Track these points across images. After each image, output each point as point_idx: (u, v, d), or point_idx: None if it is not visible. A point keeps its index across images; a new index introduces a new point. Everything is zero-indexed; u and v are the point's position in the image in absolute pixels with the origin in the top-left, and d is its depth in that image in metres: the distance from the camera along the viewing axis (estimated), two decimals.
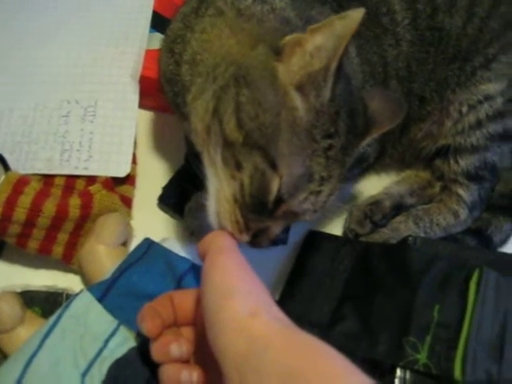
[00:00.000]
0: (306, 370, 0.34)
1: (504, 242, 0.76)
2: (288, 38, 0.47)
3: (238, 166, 0.48)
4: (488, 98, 0.70)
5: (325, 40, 0.45)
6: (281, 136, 0.47)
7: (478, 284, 0.61)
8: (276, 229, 0.52)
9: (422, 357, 0.57)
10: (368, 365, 0.60)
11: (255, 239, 0.51)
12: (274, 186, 0.47)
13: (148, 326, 0.48)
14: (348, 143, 0.50)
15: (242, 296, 0.40)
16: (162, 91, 0.66)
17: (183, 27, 0.58)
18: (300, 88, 0.47)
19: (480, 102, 0.70)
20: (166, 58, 0.61)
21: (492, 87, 0.70)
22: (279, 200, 0.48)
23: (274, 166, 0.47)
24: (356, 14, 0.44)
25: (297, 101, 0.47)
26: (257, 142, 0.47)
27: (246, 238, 0.50)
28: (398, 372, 0.58)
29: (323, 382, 0.34)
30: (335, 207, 0.53)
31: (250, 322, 0.38)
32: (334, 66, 0.45)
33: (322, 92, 0.46)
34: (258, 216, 0.49)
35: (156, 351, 0.48)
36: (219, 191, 0.50)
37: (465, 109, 0.71)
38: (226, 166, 0.49)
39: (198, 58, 0.54)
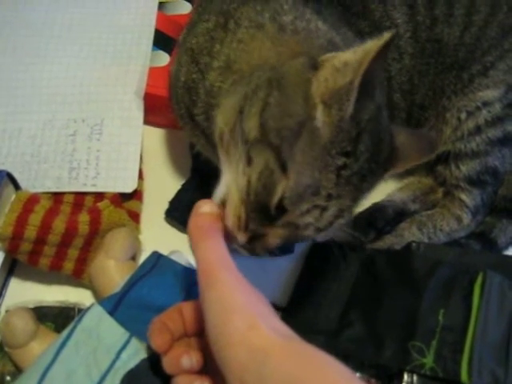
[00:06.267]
0: (304, 379, 0.35)
1: (508, 244, 0.76)
2: (328, 54, 0.48)
3: (249, 162, 0.48)
4: (486, 104, 0.71)
5: (352, 55, 0.46)
6: (298, 143, 0.47)
7: (482, 287, 0.61)
8: (273, 239, 0.50)
9: (429, 361, 0.58)
10: (376, 369, 0.61)
11: (251, 244, 0.51)
12: (280, 187, 0.47)
13: (157, 342, 0.48)
14: (368, 170, 0.49)
15: (240, 310, 0.40)
16: (170, 106, 0.67)
17: (209, 40, 0.60)
18: (325, 102, 0.47)
19: (478, 109, 0.71)
20: (189, 68, 0.62)
21: (490, 94, 0.71)
22: (282, 207, 0.48)
23: (283, 168, 0.47)
24: (387, 34, 0.44)
25: (320, 114, 0.47)
26: (272, 142, 0.47)
27: (242, 237, 0.50)
28: (405, 376, 0.58)
29: None
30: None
31: (249, 334, 0.39)
32: (357, 81, 0.45)
33: (343, 107, 0.46)
34: (260, 218, 0.49)
35: (167, 364, 0.48)
36: (230, 186, 0.50)
37: (463, 115, 0.71)
38: (239, 162, 0.49)
39: (236, 67, 0.55)
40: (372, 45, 0.44)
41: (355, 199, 0.50)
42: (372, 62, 0.44)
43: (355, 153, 0.48)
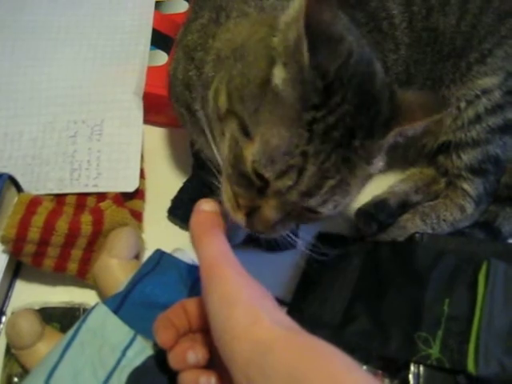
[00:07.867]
0: (308, 370, 0.35)
1: None
2: (286, 16, 0.47)
3: (224, 138, 0.49)
4: (485, 92, 0.70)
5: (297, 5, 0.45)
6: (262, 106, 0.46)
7: (487, 276, 0.61)
8: (269, 211, 0.49)
9: (435, 351, 0.58)
10: (383, 361, 0.61)
11: (249, 220, 0.50)
12: (247, 153, 0.47)
13: (162, 338, 0.49)
14: (356, 124, 0.46)
15: (243, 304, 0.40)
16: (170, 104, 0.68)
17: (203, 35, 0.60)
18: (283, 59, 0.46)
19: (478, 97, 0.71)
20: (185, 65, 0.62)
21: (489, 81, 0.70)
22: (260, 175, 0.47)
23: (246, 134, 0.47)
24: None
25: (278, 71, 0.46)
26: (237, 111, 0.48)
27: (240, 216, 0.50)
28: (412, 367, 0.58)
29: (325, 381, 0.35)
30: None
31: (252, 328, 0.39)
32: (301, 25, 0.43)
33: (297, 57, 0.44)
34: (246, 191, 0.49)
35: (173, 360, 0.48)
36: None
37: (463, 104, 0.71)
38: (221, 143, 0.50)
39: (223, 55, 0.56)
40: None
41: (344, 158, 0.47)
42: (312, 2, 0.42)
43: (327, 105, 0.45)
